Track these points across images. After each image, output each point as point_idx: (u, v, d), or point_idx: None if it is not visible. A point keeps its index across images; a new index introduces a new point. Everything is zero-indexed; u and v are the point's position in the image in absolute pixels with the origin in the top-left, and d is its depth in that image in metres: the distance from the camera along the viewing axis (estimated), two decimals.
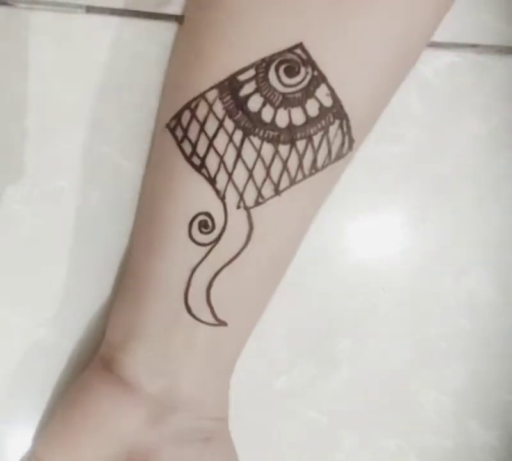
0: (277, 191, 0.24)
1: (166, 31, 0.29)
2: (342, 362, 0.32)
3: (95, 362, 0.27)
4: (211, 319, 0.25)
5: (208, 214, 0.25)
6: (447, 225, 0.32)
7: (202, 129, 0.24)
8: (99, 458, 0.25)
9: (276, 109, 0.24)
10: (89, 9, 0.29)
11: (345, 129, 0.24)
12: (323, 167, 0.25)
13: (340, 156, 0.25)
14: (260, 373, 0.31)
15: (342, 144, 0.25)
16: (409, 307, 0.32)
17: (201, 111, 0.24)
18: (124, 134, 0.29)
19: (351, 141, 0.25)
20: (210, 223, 0.24)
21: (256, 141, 0.24)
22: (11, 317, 0.30)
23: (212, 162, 0.24)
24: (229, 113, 0.24)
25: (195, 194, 0.25)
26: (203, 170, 0.24)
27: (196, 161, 0.24)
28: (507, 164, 0.32)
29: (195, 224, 0.25)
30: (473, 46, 0.31)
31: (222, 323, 0.25)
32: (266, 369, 0.31)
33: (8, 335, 0.30)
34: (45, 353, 0.30)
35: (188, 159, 0.25)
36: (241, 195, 0.24)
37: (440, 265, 0.32)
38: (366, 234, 0.32)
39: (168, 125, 0.25)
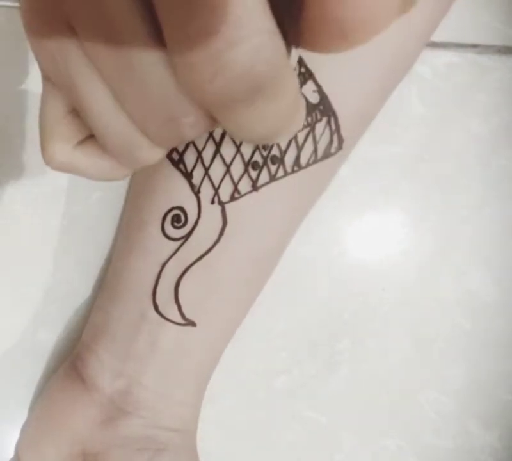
0: (255, 187, 0.24)
1: None
2: (342, 362, 0.32)
3: (68, 360, 0.27)
4: (178, 319, 0.24)
5: (181, 209, 0.24)
6: (447, 225, 0.32)
7: None
8: (60, 457, 0.25)
9: None
10: None
11: (333, 126, 0.24)
12: (308, 165, 0.24)
13: (327, 155, 0.24)
14: (260, 373, 0.31)
15: (330, 142, 0.24)
16: (409, 307, 0.32)
17: None
18: None
19: (340, 139, 0.24)
20: (183, 218, 0.24)
21: None
22: (11, 317, 0.30)
23: (190, 157, 0.24)
24: None
25: (170, 189, 0.24)
26: (181, 165, 0.24)
27: (175, 156, 0.24)
28: (507, 164, 0.32)
29: (168, 218, 0.24)
30: (473, 46, 0.31)
31: (190, 323, 0.24)
32: (266, 369, 0.31)
33: (8, 335, 0.30)
34: (42, 352, 0.30)
35: (167, 155, 0.24)
36: (216, 190, 0.24)
37: (440, 265, 0.32)
38: (366, 234, 0.32)
39: None
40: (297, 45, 0.13)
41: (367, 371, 0.32)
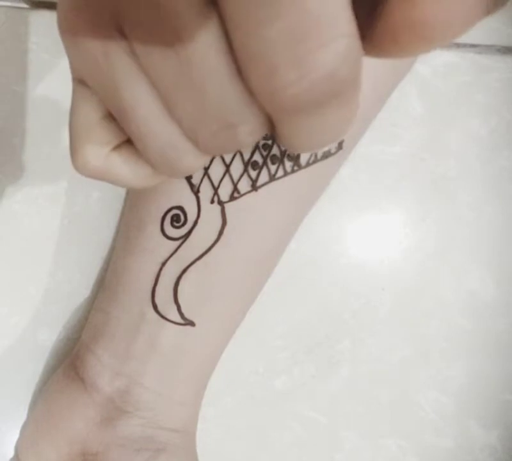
0: (254, 187, 0.24)
1: None
2: (342, 362, 0.32)
3: (68, 360, 0.27)
4: (178, 318, 0.24)
5: (181, 209, 0.24)
6: (447, 225, 0.32)
7: None
8: (59, 457, 0.25)
9: None
10: None
11: None
12: (308, 165, 0.24)
13: (327, 155, 0.24)
14: (260, 373, 0.31)
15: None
16: (409, 307, 0.32)
17: None
18: None
19: (341, 139, 0.24)
20: (182, 218, 0.24)
21: None
22: (11, 317, 0.30)
23: None
24: None
25: (170, 189, 0.24)
26: None
27: None
28: (507, 164, 0.32)
29: (168, 218, 0.24)
30: (473, 46, 0.31)
31: (189, 323, 0.24)
32: (266, 369, 0.31)
33: (8, 335, 0.30)
34: (42, 352, 0.30)
35: None
36: (216, 190, 0.24)
37: (440, 265, 0.32)
38: (366, 234, 0.32)
39: None
40: (366, 50, 0.12)
41: (367, 371, 0.32)
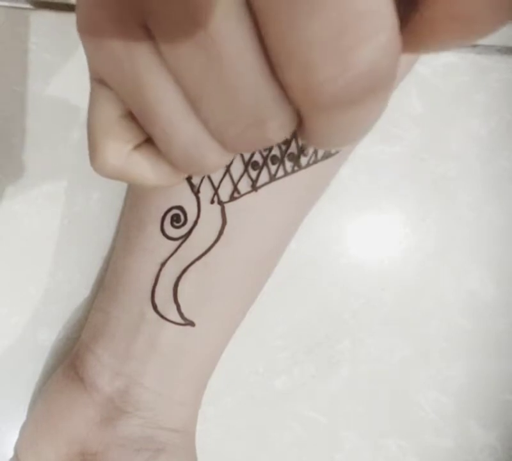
0: (254, 187, 0.24)
1: None
2: (342, 362, 0.32)
3: (67, 360, 0.27)
4: (178, 318, 0.24)
5: (181, 208, 0.24)
6: (447, 225, 0.32)
7: None
8: (58, 457, 0.25)
9: None
10: None
11: None
12: (308, 165, 0.24)
13: (327, 155, 0.24)
14: (260, 373, 0.31)
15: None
16: (409, 307, 0.32)
17: None
18: None
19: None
20: (182, 218, 0.24)
21: None
22: (11, 317, 0.30)
23: None
24: None
25: (170, 189, 0.24)
26: None
27: None
28: (507, 164, 0.32)
29: (167, 218, 0.24)
30: (473, 46, 0.31)
31: (189, 323, 0.24)
32: (266, 369, 0.31)
33: (8, 335, 0.30)
34: (42, 352, 0.30)
35: None
36: (216, 190, 0.24)
37: (440, 265, 0.32)
38: (366, 234, 0.32)
39: None
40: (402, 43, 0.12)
41: (367, 371, 0.32)
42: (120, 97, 0.15)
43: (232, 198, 0.24)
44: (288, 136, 0.14)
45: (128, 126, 0.15)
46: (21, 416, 0.29)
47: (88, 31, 0.13)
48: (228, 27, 0.11)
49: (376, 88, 0.12)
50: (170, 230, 0.24)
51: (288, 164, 0.24)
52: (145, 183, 0.16)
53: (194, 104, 0.13)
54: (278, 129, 0.13)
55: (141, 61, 0.13)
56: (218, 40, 0.12)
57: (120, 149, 0.15)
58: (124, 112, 0.15)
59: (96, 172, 0.15)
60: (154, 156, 0.15)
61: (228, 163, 0.15)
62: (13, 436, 0.28)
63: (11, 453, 0.27)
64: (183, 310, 0.24)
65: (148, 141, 0.15)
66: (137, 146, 0.15)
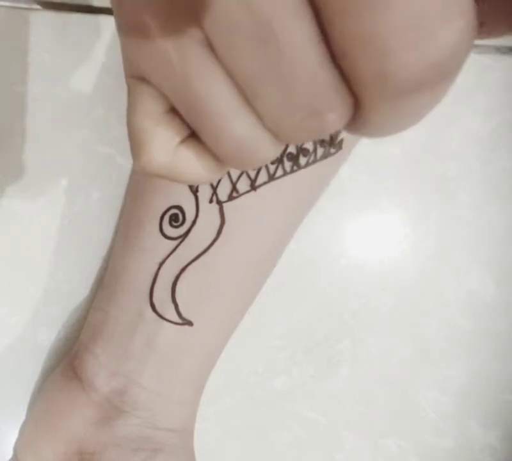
0: (253, 187, 0.24)
1: None
2: (342, 362, 0.32)
3: (66, 359, 0.27)
4: (176, 318, 0.24)
5: (179, 208, 0.24)
6: (447, 225, 0.32)
7: None
8: (57, 457, 0.25)
9: None
10: (90, 9, 0.29)
11: None
12: (307, 165, 0.24)
13: (327, 155, 0.24)
14: (260, 373, 0.31)
15: (330, 142, 0.24)
16: (409, 306, 0.32)
17: None
18: (124, 134, 0.29)
19: (340, 139, 0.24)
20: (181, 217, 0.24)
21: None
22: (11, 317, 0.30)
23: None
24: None
25: (169, 188, 0.24)
26: None
27: None
28: (507, 164, 0.32)
29: (166, 218, 0.24)
30: (474, 46, 0.31)
31: (187, 323, 0.24)
32: (266, 369, 0.31)
33: (8, 335, 0.30)
34: (41, 352, 0.30)
35: None
36: (214, 189, 0.24)
37: (440, 265, 0.32)
38: (366, 234, 0.32)
39: None
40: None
41: (367, 371, 0.32)
42: (165, 93, 0.14)
43: (231, 198, 0.24)
44: (342, 128, 0.14)
45: (173, 122, 0.15)
46: (20, 416, 0.29)
47: (132, 31, 0.13)
48: (290, 21, 0.11)
49: (450, 73, 0.11)
50: (169, 230, 0.24)
51: (288, 164, 0.24)
52: (190, 178, 0.15)
53: (248, 96, 0.13)
54: (335, 119, 0.13)
55: (191, 55, 0.13)
56: (280, 35, 0.11)
57: (167, 145, 0.15)
58: (167, 108, 0.15)
59: (141, 170, 0.15)
60: (200, 151, 0.15)
61: (278, 155, 0.15)
62: (12, 436, 0.28)
63: (10, 452, 0.27)
64: (181, 309, 0.24)
65: (192, 136, 0.15)
66: (182, 142, 0.15)
